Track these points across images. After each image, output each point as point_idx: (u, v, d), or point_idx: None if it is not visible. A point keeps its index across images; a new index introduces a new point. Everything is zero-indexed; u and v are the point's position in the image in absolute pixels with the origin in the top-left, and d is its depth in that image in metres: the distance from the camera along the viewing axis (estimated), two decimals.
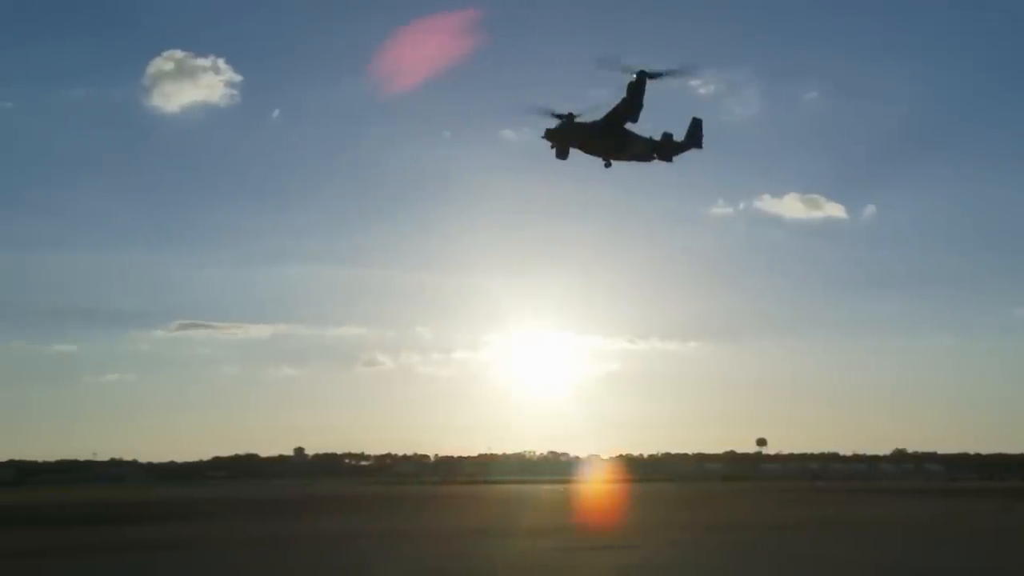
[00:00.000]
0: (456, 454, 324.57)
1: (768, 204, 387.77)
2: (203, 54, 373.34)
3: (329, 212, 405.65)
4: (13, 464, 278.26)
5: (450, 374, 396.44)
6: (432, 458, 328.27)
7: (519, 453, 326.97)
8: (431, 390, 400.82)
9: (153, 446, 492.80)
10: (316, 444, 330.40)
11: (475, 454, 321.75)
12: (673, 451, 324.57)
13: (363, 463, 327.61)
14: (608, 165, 74.76)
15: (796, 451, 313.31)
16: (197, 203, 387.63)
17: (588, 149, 72.88)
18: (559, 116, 70.84)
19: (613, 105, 70.69)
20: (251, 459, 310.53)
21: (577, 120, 71.27)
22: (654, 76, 70.11)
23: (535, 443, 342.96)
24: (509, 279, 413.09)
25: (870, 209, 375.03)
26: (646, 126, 74.58)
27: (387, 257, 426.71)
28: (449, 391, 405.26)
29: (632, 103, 70.93)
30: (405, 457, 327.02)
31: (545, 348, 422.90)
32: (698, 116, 79.34)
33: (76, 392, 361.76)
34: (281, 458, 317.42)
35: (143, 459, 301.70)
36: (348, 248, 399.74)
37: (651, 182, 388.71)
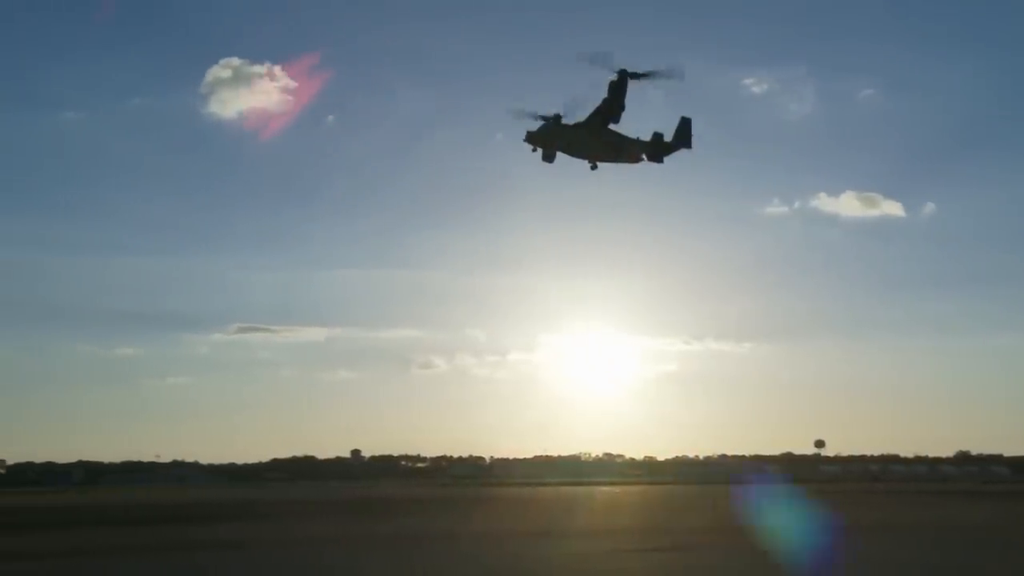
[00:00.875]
0: (511, 456, 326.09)
1: (824, 203, 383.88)
2: (259, 61, 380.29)
3: (384, 216, 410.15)
4: (82, 464, 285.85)
5: (505, 376, 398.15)
6: (487, 460, 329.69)
7: (574, 455, 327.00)
8: (486, 392, 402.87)
9: (213, 448, 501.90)
10: (372, 446, 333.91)
11: (530, 456, 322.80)
12: (729, 453, 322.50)
13: (419, 465, 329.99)
14: (594, 167, 73.10)
15: (855, 453, 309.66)
16: (254, 208, 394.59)
17: (572, 151, 71.24)
18: (544, 118, 69.19)
19: (596, 106, 68.70)
20: (309, 461, 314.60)
21: (558, 122, 69.37)
22: (637, 76, 68.04)
23: (590, 445, 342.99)
24: (563, 280, 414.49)
25: (929, 207, 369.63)
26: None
27: (441, 260, 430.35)
28: (504, 393, 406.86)
29: (613, 103, 68.92)
30: (460, 459, 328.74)
31: (600, 349, 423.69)
32: (686, 116, 76.43)
33: (139, 395, 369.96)
34: (338, 460, 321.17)
35: (204, 461, 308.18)
36: (403, 251, 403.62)
37: (705, 182, 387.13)
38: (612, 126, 71.00)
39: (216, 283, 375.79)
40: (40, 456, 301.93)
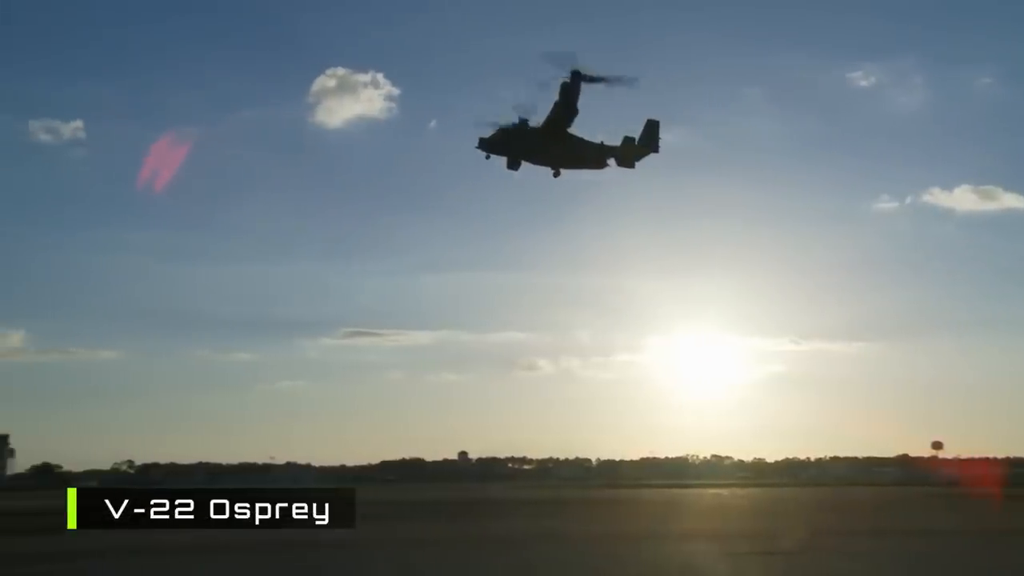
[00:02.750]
0: (617, 457, 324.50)
1: (938, 197, 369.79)
2: (363, 70, 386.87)
3: (488, 219, 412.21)
4: (202, 466, 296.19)
5: (610, 377, 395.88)
6: (594, 462, 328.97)
7: (681, 457, 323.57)
8: (591, 394, 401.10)
9: (324, 450, 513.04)
10: (479, 448, 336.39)
11: (637, 458, 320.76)
12: (841, 455, 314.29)
13: (525, 467, 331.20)
14: (557, 175, 70.81)
15: (976, 454, 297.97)
16: (360, 214, 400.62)
17: (530, 158, 68.74)
18: (514, 123, 67.04)
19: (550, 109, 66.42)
20: (417, 463, 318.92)
21: (510, 127, 67.20)
22: (591, 79, 65.07)
23: (697, 446, 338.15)
24: (669, 281, 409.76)
25: None
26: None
27: (545, 261, 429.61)
28: (609, 394, 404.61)
29: (564, 106, 66.25)
30: (566, 461, 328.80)
31: (706, 350, 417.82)
32: (653, 118, 73.63)
33: (253, 399, 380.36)
34: (446, 462, 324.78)
35: (316, 463, 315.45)
36: (507, 254, 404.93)
37: (811, 179, 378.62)
38: (577, 131, 68.73)
39: (325, 289, 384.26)
40: (164, 457, 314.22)
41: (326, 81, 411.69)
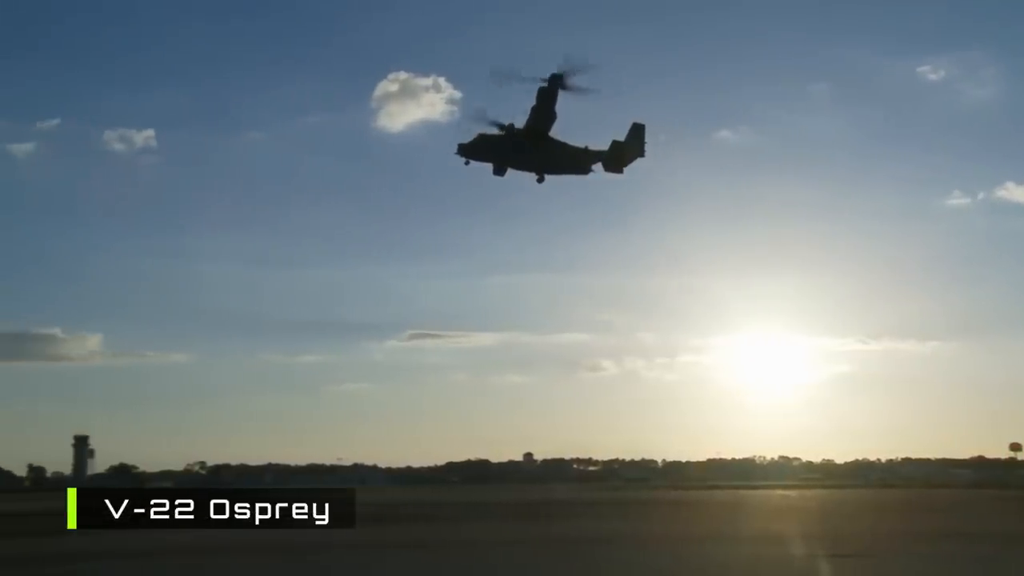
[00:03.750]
0: (683, 459, 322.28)
1: (1012, 192, 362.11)
2: (424, 74, 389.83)
3: (550, 220, 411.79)
4: (271, 468, 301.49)
5: (675, 378, 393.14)
6: (659, 463, 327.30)
7: (748, 458, 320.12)
8: (656, 395, 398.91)
9: (390, 451, 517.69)
10: (544, 449, 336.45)
11: (703, 459, 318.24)
12: (914, 456, 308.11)
13: (590, 468, 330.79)
14: (540, 180, 69.70)
15: None
16: (423, 217, 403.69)
17: (512, 164, 67.80)
18: (501, 126, 66.07)
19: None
20: (482, 464, 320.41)
21: (490, 133, 66.20)
22: (570, 86, 63.74)
23: (764, 447, 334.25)
24: (734, 280, 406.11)
25: None
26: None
27: (609, 262, 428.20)
28: (674, 395, 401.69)
29: (542, 111, 65.08)
30: (632, 462, 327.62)
31: (772, 350, 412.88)
32: (639, 122, 71.63)
33: (320, 401, 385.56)
34: (511, 463, 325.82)
35: (382, 464, 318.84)
36: (569, 255, 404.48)
37: (880, 175, 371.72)
38: (558, 135, 67.76)
39: (389, 291, 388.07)
40: (234, 458, 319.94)
41: (388, 86, 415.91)
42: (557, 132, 68.14)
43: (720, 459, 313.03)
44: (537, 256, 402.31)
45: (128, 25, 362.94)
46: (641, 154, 72.09)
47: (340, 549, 47.36)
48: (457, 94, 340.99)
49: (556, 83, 64.24)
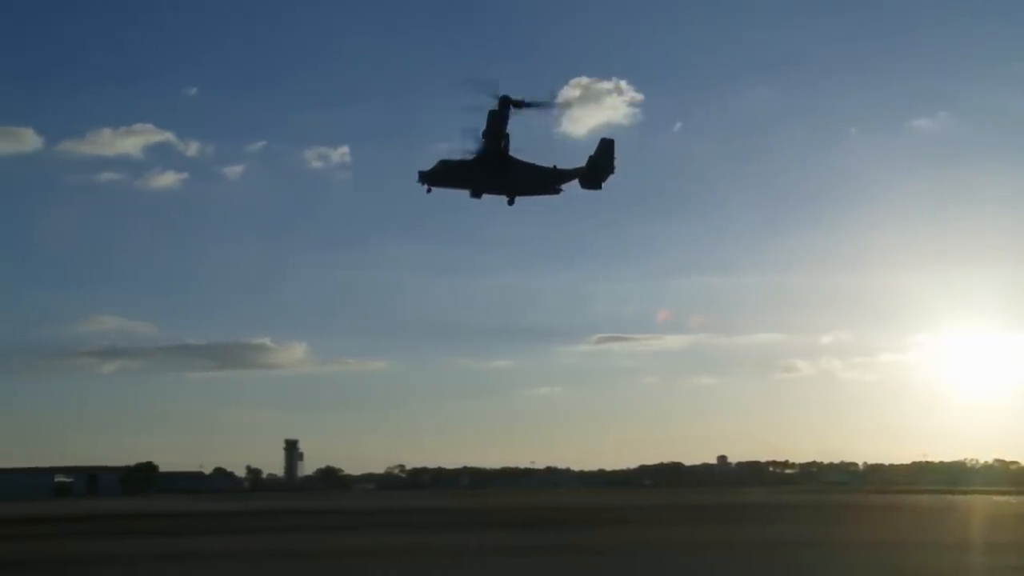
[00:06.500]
0: (886, 461, 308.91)
1: None
2: (606, 78, 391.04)
3: (736, 221, 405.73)
4: (467, 471, 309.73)
5: (874, 378, 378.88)
6: (860, 466, 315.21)
7: (958, 461, 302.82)
8: (854, 396, 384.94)
9: (582, 455, 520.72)
10: (738, 452, 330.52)
11: (907, 462, 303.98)
12: None
13: (787, 471, 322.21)
14: (511, 203, 68.76)
15: None
16: (610, 220, 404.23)
17: (477, 188, 66.92)
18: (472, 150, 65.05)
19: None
20: (675, 467, 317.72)
21: (451, 159, 65.45)
22: (519, 105, 62.90)
23: (977, 450, 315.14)
24: (937, 276, 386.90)
25: None
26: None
27: (799, 261, 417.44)
28: (874, 396, 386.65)
29: (491, 134, 64.22)
30: (831, 465, 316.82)
31: (982, 347, 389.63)
32: (608, 137, 71.69)
33: (512, 405, 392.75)
34: (704, 466, 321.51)
35: (575, 467, 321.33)
36: (758, 255, 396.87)
37: None
38: (524, 156, 67.06)
39: (578, 295, 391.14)
40: (432, 461, 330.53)
41: (570, 92, 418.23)
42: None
43: (927, 462, 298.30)
44: (726, 257, 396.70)
45: (320, 48, 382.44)
46: (612, 170, 72.01)
47: (527, 551, 48.63)
48: (639, 96, 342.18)
49: (507, 104, 64.29)
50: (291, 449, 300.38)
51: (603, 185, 72.62)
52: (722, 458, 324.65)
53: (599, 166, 71.90)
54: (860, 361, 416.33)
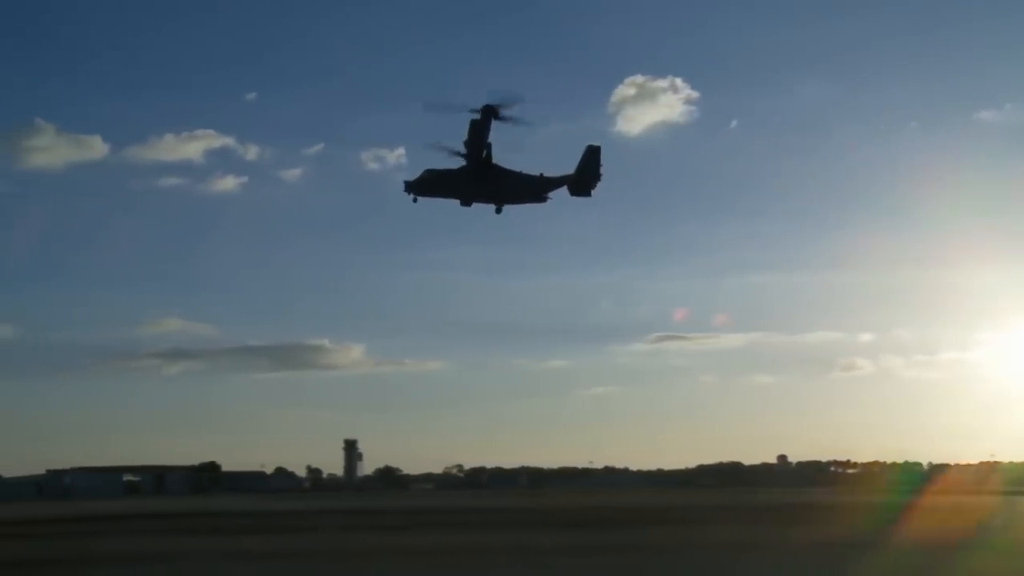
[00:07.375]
0: (952, 461, 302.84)
1: None
2: (661, 76, 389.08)
3: (795, 217, 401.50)
4: (525, 470, 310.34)
5: (937, 377, 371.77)
6: (925, 466, 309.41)
7: None
8: (917, 394, 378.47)
9: (640, 454, 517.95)
10: (798, 452, 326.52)
11: (974, 461, 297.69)
12: None
13: (849, 471, 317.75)
14: (499, 211, 68.34)
15: None
16: (665, 218, 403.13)
17: (463, 197, 66.69)
18: (457, 153, 64.90)
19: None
20: (734, 466, 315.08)
21: (437, 168, 65.29)
22: (500, 116, 62.86)
23: None
24: (1000, 271, 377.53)
25: None
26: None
27: (858, 257, 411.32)
28: (937, 395, 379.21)
29: (473, 144, 64.16)
30: (894, 464, 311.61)
31: None
32: (594, 144, 70.78)
33: (569, 404, 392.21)
34: (764, 465, 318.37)
35: (633, 467, 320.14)
36: (816, 252, 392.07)
37: None
38: (511, 163, 66.84)
39: (633, 295, 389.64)
40: (490, 461, 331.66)
41: (625, 90, 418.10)
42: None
43: (995, 462, 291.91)
44: (783, 253, 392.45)
45: (375, 50, 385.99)
46: (599, 177, 71.49)
47: (587, 551, 48.99)
48: (694, 94, 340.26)
49: (490, 114, 64.37)
50: (350, 449, 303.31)
51: (597, 191, 72.89)
52: (782, 457, 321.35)
53: (586, 173, 71.77)
54: (922, 359, 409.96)
